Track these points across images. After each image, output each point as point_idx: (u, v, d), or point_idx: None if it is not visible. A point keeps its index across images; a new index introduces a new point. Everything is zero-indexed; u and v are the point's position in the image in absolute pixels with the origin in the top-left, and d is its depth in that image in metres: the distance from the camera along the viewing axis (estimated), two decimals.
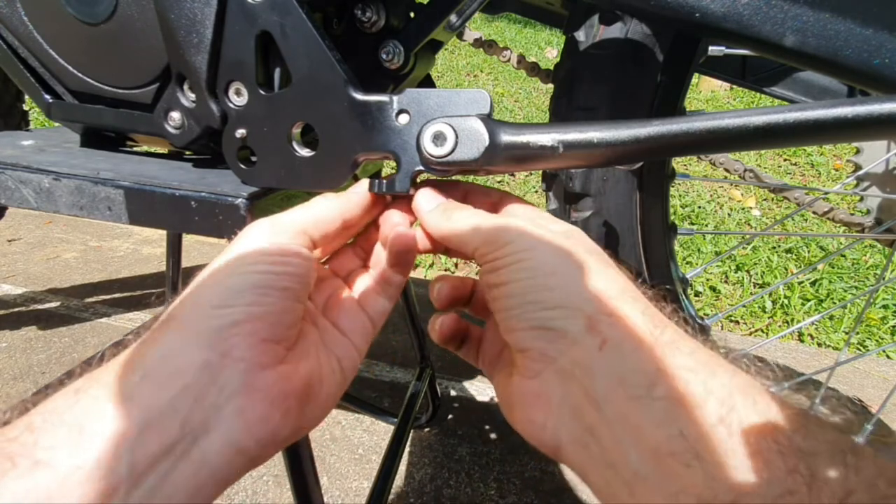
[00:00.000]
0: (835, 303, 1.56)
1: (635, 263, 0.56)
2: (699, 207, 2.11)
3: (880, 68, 0.32)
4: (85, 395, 0.24)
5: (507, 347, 0.33)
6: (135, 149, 0.53)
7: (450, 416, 1.01)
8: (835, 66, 0.33)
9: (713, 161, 0.89)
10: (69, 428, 0.22)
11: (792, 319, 1.50)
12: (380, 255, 0.36)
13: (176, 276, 0.92)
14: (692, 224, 2.03)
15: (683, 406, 0.22)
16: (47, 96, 0.47)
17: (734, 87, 3.30)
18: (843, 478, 0.20)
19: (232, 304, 0.26)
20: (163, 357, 0.25)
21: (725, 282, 1.66)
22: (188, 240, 1.56)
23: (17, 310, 1.24)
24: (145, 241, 1.65)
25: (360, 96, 0.35)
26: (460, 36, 0.69)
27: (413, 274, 1.60)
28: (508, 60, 0.70)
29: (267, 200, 0.41)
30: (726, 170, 0.87)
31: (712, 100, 3.55)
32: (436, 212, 0.33)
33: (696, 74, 0.55)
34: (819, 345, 1.42)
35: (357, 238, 0.38)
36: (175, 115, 0.42)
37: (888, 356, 1.37)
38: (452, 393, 1.08)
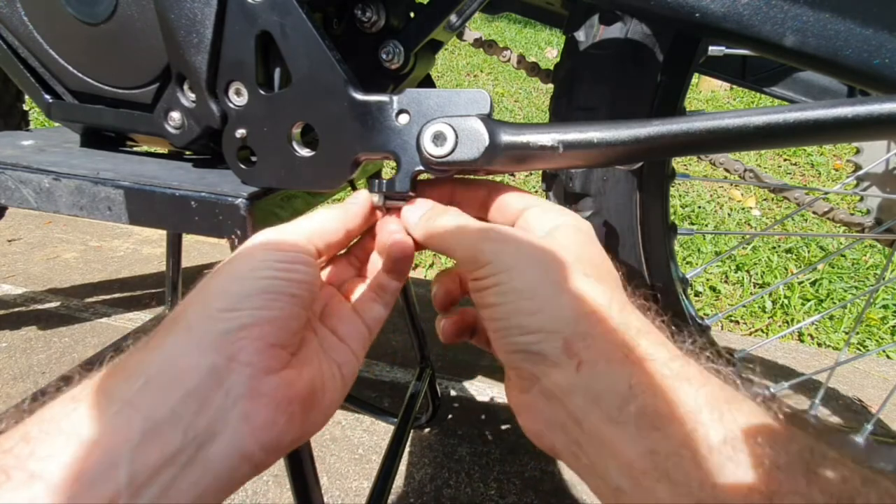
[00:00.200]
0: (835, 303, 1.56)
1: (635, 263, 0.56)
2: (699, 207, 2.11)
3: (880, 68, 0.32)
4: (83, 403, 0.23)
5: None
6: (135, 149, 0.53)
7: (450, 416, 1.01)
8: (835, 66, 0.33)
9: (713, 161, 0.89)
10: (66, 437, 0.22)
11: (792, 319, 1.50)
12: (376, 263, 0.37)
13: (176, 276, 0.92)
14: (692, 224, 2.03)
15: (653, 423, 0.23)
16: (47, 96, 0.47)
17: (734, 87, 3.30)
18: (809, 487, 0.20)
19: (240, 308, 0.26)
20: (166, 361, 0.25)
21: (725, 282, 1.66)
22: (188, 240, 1.56)
23: (17, 310, 1.24)
24: (145, 241, 1.65)
25: (360, 96, 0.35)
26: (460, 36, 0.69)
27: (413, 274, 1.60)
28: (508, 60, 0.70)
29: (267, 200, 0.41)
30: (726, 170, 0.87)
31: (712, 100, 3.55)
32: (419, 225, 0.34)
33: (696, 74, 0.55)
34: (819, 345, 1.42)
35: (351, 248, 0.38)
36: (175, 115, 0.42)
37: (888, 356, 1.37)
38: (452, 393, 1.08)
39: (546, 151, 0.33)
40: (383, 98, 0.35)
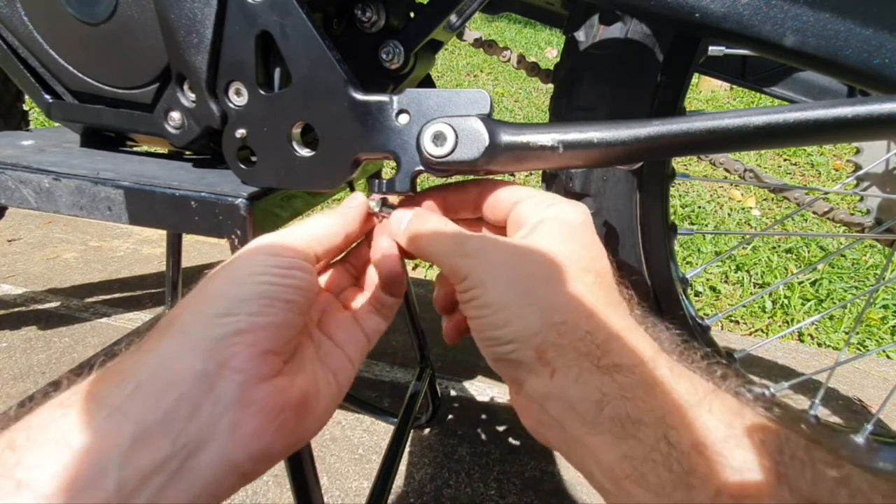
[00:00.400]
0: (835, 303, 1.56)
1: (635, 263, 0.56)
2: (699, 207, 2.11)
3: (880, 68, 0.32)
4: (71, 409, 0.23)
5: None
6: (135, 149, 0.53)
7: (450, 416, 1.01)
8: (835, 66, 0.33)
9: (713, 161, 0.89)
10: (54, 444, 0.21)
11: (792, 319, 1.50)
12: (373, 276, 0.37)
13: (176, 276, 0.92)
14: (692, 224, 2.03)
15: (627, 430, 0.24)
16: (47, 96, 0.47)
17: (734, 87, 3.30)
18: (779, 488, 0.21)
19: (235, 313, 0.26)
20: (158, 366, 0.24)
21: (725, 282, 1.66)
22: (188, 240, 1.56)
23: (17, 310, 1.24)
24: (145, 241, 1.65)
25: (360, 96, 0.35)
26: (460, 36, 0.69)
27: (413, 274, 1.60)
28: (508, 60, 0.70)
29: (267, 200, 0.41)
30: (726, 170, 0.87)
31: (712, 100, 3.55)
32: (403, 236, 0.34)
33: (696, 74, 0.55)
34: (819, 345, 1.42)
35: (348, 255, 0.38)
36: (175, 115, 0.42)
37: (888, 356, 1.37)
38: (452, 393, 1.08)
39: (546, 151, 0.32)
40: (383, 98, 0.35)
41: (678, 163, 2.38)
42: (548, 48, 4.55)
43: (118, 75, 0.44)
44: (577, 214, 0.31)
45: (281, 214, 0.43)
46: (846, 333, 1.43)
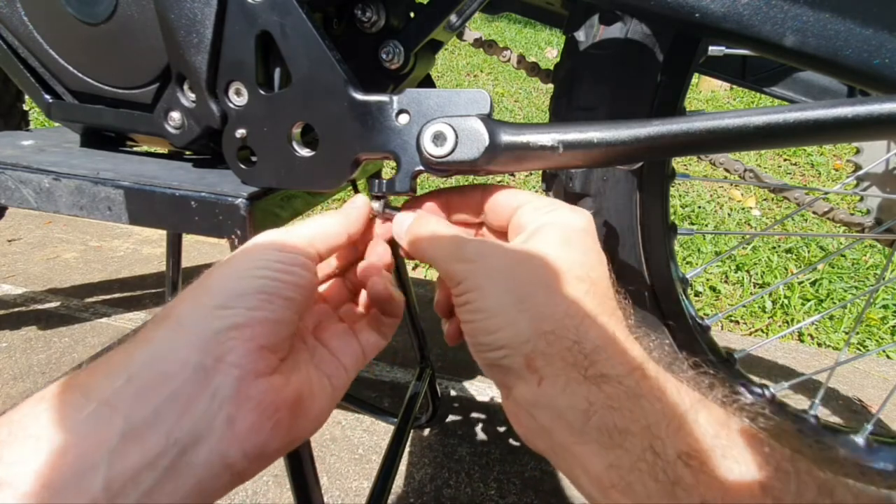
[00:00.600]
0: (835, 303, 1.56)
1: (635, 263, 0.56)
2: (699, 207, 2.11)
3: (880, 68, 0.32)
4: (56, 402, 0.22)
5: None
6: (135, 149, 0.53)
7: (450, 416, 1.01)
8: (835, 66, 0.33)
9: (713, 161, 0.89)
10: (36, 440, 0.20)
11: (792, 319, 1.50)
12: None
13: (176, 276, 0.92)
14: (692, 224, 2.03)
15: (613, 439, 0.24)
16: (47, 96, 0.47)
17: (734, 87, 3.30)
18: (764, 497, 0.21)
19: (233, 306, 0.26)
20: (151, 359, 0.24)
21: (725, 282, 1.66)
22: (188, 240, 1.56)
23: (17, 310, 1.24)
24: (145, 241, 1.65)
25: (360, 96, 0.35)
26: (460, 36, 0.69)
27: (413, 274, 1.60)
28: (508, 60, 0.70)
29: (267, 200, 0.41)
30: (726, 170, 0.87)
31: (712, 100, 3.55)
32: (404, 238, 0.34)
33: (696, 74, 0.55)
34: (819, 345, 1.42)
35: (344, 270, 0.38)
36: (175, 115, 0.42)
37: (888, 356, 1.37)
38: (452, 393, 1.08)
39: (546, 151, 0.32)
40: (383, 98, 0.35)
41: (678, 163, 2.38)
42: (548, 48, 4.55)
43: (118, 75, 0.44)
44: (578, 220, 0.31)
45: (281, 214, 0.43)
46: (846, 333, 1.43)
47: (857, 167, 0.76)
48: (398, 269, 0.80)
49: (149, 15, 0.40)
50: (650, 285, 0.57)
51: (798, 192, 0.88)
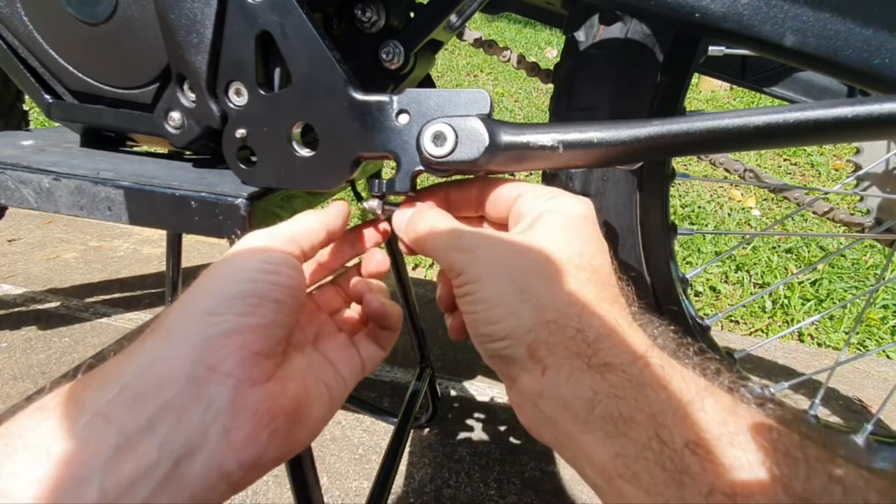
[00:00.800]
0: (835, 303, 1.56)
1: (635, 263, 0.56)
2: (699, 207, 2.11)
3: (880, 68, 0.32)
4: (52, 413, 0.22)
5: None
6: (135, 149, 0.53)
7: (450, 416, 1.01)
8: (835, 66, 0.33)
9: (713, 161, 0.89)
10: (33, 451, 0.20)
11: (792, 319, 1.50)
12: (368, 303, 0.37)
13: (176, 276, 0.92)
14: (692, 224, 2.03)
15: (619, 428, 0.24)
16: (47, 96, 0.47)
17: (734, 87, 3.30)
18: (773, 486, 0.21)
19: (223, 313, 0.25)
20: (144, 369, 0.23)
21: (725, 282, 1.66)
22: (188, 240, 1.56)
23: (17, 310, 1.24)
24: (145, 241, 1.65)
25: (360, 96, 0.35)
26: (460, 36, 0.69)
27: (413, 274, 1.60)
28: (508, 60, 0.70)
29: (267, 200, 0.41)
30: (726, 170, 0.87)
31: (712, 100, 3.55)
32: (404, 232, 0.34)
33: (696, 74, 0.55)
34: (819, 345, 1.42)
35: (339, 278, 0.38)
36: (175, 115, 0.42)
37: (888, 356, 1.37)
38: (452, 393, 1.08)
39: (546, 151, 0.32)
40: (383, 98, 0.35)
41: (678, 163, 2.38)
42: (548, 48, 4.55)
43: (118, 75, 0.44)
44: (579, 208, 0.31)
45: (281, 214, 0.43)
46: (846, 333, 1.43)
47: (857, 167, 0.76)
48: (398, 269, 0.80)
49: (149, 15, 0.40)
50: (650, 285, 0.57)
51: (798, 192, 0.88)
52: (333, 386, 0.31)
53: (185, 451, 0.22)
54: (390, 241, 0.79)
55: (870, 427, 0.67)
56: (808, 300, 1.56)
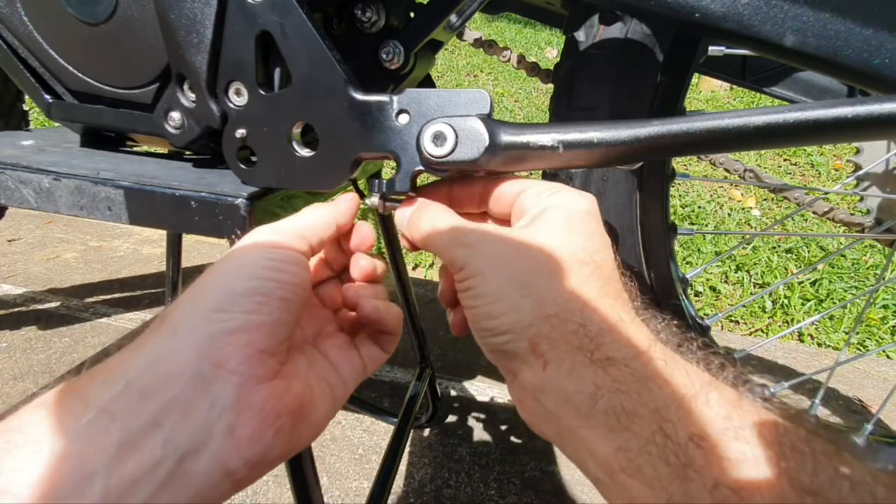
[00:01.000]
0: (835, 303, 1.56)
1: (635, 263, 0.56)
2: (699, 207, 2.11)
3: (880, 68, 0.32)
4: (55, 409, 0.21)
5: None
6: (135, 149, 0.53)
7: (450, 416, 1.01)
8: (835, 66, 0.33)
9: (713, 161, 0.89)
10: (35, 447, 0.20)
11: (792, 319, 1.50)
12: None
13: (176, 276, 0.92)
14: (692, 224, 2.03)
15: (622, 422, 0.24)
16: (47, 96, 0.47)
17: (734, 87, 3.30)
18: (779, 481, 0.20)
19: (229, 310, 0.25)
20: (149, 365, 0.23)
21: (725, 282, 1.66)
22: (188, 240, 1.56)
23: (17, 310, 1.24)
24: (145, 241, 1.65)
25: (360, 96, 0.35)
26: (460, 36, 0.69)
27: (413, 274, 1.60)
28: (508, 60, 0.70)
29: (267, 200, 0.41)
30: (726, 170, 0.87)
31: (712, 100, 3.55)
32: (407, 227, 0.34)
33: (696, 74, 0.55)
34: (819, 345, 1.42)
35: (344, 272, 0.38)
36: (175, 115, 0.42)
37: (888, 356, 1.37)
38: (452, 393, 1.08)
39: (546, 151, 0.32)
40: (383, 98, 0.35)
41: (678, 163, 2.38)
42: (548, 48, 4.55)
43: (118, 75, 0.44)
44: (581, 203, 0.31)
45: (281, 214, 0.43)
46: (846, 333, 1.43)
47: (857, 167, 0.76)
48: (398, 269, 0.80)
49: (149, 15, 0.40)
50: (650, 285, 0.57)
51: (798, 192, 0.89)
52: (335, 385, 0.31)
53: (189, 449, 0.22)
54: (391, 241, 0.79)
55: (870, 427, 0.67)
56: (808, 300, 1.56)
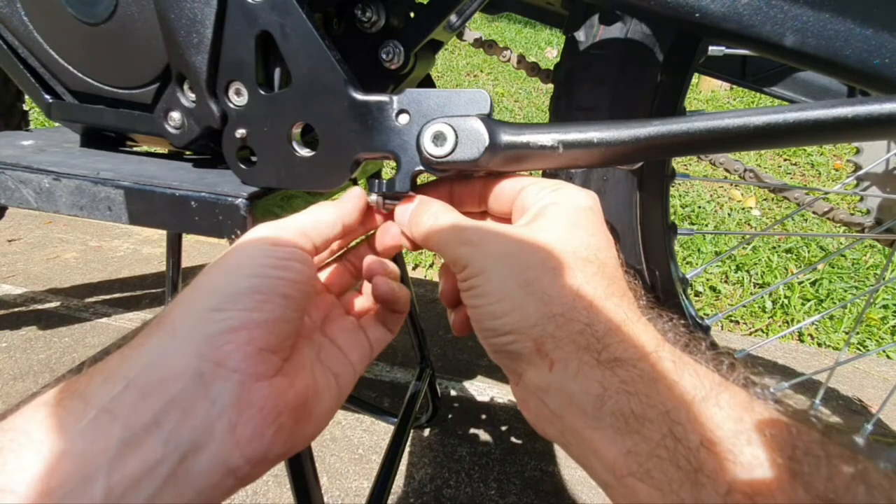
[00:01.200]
0: (835, 303, 1.55)
1: (635, 263, 0.56)
2: (699, 207, 2.11)
3: (880, 68, 0.32)
4: (57, 409, 0.21)
5: None
6: (135, 149, 0.53)
7: (450, 416, 1.01)
8: (835, 66, 0.33)
9: (713, 161, 0.89)
10: (37, 447, 0.20)
11: (792, 319, 1.50)
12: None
13: (176, 276, 0.92)
14: (692, 224, 2.03)
15: (630, 425, 0.23)
16: (47, 96, 0.47)
17: (734, 87, 3.30)
18: (793, 485, 0.20)
19: (229, 308, 0.25)
20: (149, 364, 0.23)
21: (725, 282, 1.66)
22: (188, 240, 1.56)
23: (17, 310, 1.24)
24: (145, 241, 1.65)
25: (360, 96, 0.35)
26: (460, 36, 0.69)
27: (413, 274, 1.60)
28: (508, 60, 0.70)
29: (267, 200, 0.41)
30: (726, 170, 0.87)
31: (712, 100, 3.55)
32: (407, 226, 0.34)
33: (696, 74, 0.55)
34: (819, 345, 1.42)
35: (348, 254, 0.38)
36: (175, 115, 0.42)
37: (888, 356, 1.37)
38: (452, 393, 1.08)
39: (546, 151, 0.32)
40: (383, 98, 0.35)
41: (678, 163, 2.38)
42: (548, 48, 4.55)
43: (118, 75, 0.44)
44: (584, 199, 0.31)
45: (281, 214, 0.43)
46: (846, 333, 1.43)
47: (857, 167, 0.76)
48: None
49: (149, 15, 0.40)
50: (650, 285, 0.57)
51: (798, 192, 0.89)
52: (342, 374, 0.31)
53: (190, 448, 0.22)
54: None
55: (870, 427, 0.67)
56: (808, 300, 1.56)
